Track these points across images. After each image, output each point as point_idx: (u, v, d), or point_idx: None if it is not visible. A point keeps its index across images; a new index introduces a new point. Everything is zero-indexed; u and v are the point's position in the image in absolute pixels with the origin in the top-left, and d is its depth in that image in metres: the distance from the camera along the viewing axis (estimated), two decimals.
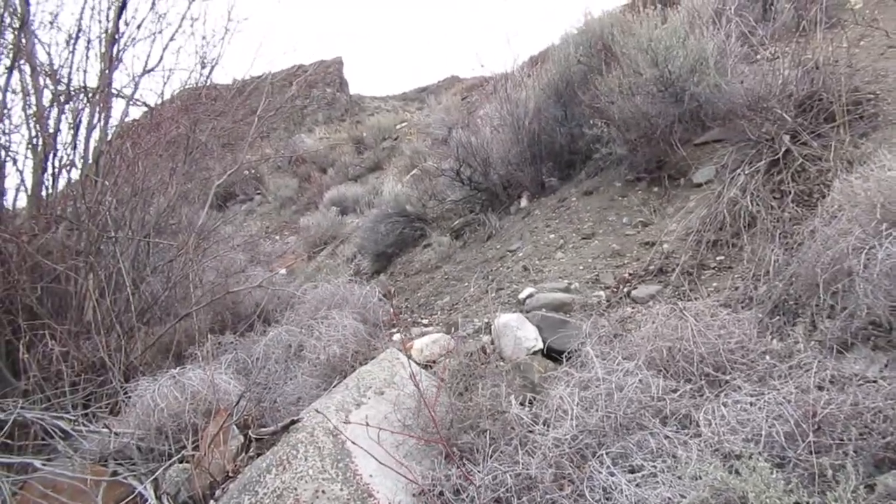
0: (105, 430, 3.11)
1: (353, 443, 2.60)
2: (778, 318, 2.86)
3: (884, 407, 1.99)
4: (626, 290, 3.85)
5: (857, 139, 3.69)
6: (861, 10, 5.53)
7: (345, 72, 25.11)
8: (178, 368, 3.44)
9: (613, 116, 4.92)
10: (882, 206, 2.66)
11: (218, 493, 2.74)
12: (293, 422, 2.82)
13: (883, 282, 2.42)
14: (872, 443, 1.92)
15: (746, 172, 3.92)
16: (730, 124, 4.50)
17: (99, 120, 5.20)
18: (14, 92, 4.85)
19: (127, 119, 5.57)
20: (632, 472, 2.12)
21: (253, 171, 15.25)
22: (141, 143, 5.23)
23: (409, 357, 3.39)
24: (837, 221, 2.84)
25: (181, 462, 2.96)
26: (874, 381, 2.17)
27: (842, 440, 1.95)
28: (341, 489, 2.47)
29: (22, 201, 4.77)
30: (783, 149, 3.90)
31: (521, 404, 2.74)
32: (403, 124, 15.89)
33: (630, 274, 4.00)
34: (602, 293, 3.90)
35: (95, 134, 5.14)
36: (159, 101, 5.99)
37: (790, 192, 3.67)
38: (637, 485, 2.04)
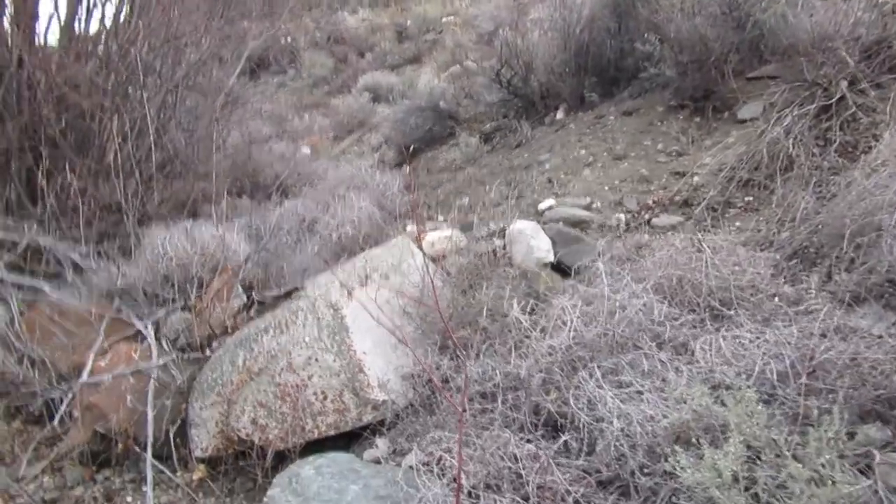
0: (115, 268, 3.18)
1: (367, 310, 2.63)
2: (795, 263, 2.80)
3: (884, 360, 1.97)
4: (647, 216, 3.78)
5: None
6: None
7: None
8: (191, 222, 3.48)
9: (669, 35, 4.66)
10: None
11: (215, 344, 2.83)
12: (296, 289, 2.87)
13: None
14: (864, 393, 1.91)
15: (795, 114, 3.74)
16: (788, 61, 4.25)
17: None
18: None
19: None
20: (619, 387, 2.14)
21: (290, 41, 14.84)
22: None
23: (420, 248, 3.39)
24: (878, 175, 2.73)
25: (184, 311, 3.04)
26: (879, 337, 2.14)
27: (833, 387, 1.94)
28: (334, 360, 2.53)
29: (55, 31, 4.67)
30: (838, 94, 3.70)
31: (523, 310, 2.75)
32: (450, 18, 15.28)
33: (654, 201, 3.92)
34: (622, 216, 3.83)
35: None
36: None
37: (835, 141, 3.52)
38: (622, 400, 2.06)
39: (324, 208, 4.04)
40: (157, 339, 2.88)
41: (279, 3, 7.03)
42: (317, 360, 2.53)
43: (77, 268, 3.24)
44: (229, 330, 2.92)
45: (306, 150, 8.46)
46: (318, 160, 7.18)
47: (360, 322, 2.64)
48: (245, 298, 3.10)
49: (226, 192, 4.67)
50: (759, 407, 1.80)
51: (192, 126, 5.33)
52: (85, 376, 2.72)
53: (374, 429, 2.48)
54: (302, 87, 14.08)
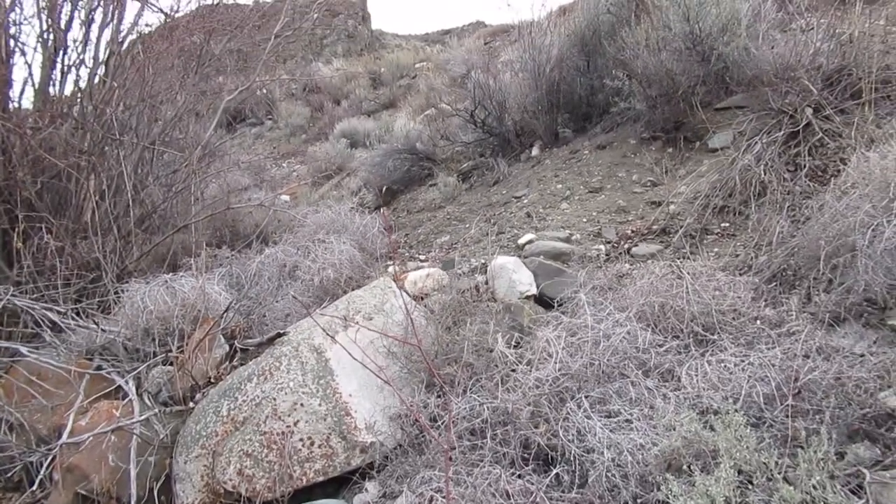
0: (93, 325, 3.13)
1: (349, 354, 2.61)
2: (774, 286, 2.83)
3: (867, 379, 1.99)
4: (626, 246, 3.82)
5: (881, 118, 3.59)
6: None
7: (368, 5, 24.52)
8: (170, 275, 3.45)
9: (637, 70, 4.79)
10: None
11: (198, 396, 2.78)
12: (279, 335, 2.84)
13: (885, 259, 2.39)
14: (850, 413, 1.92)
15: (764, 142, 3.84)
16: (753, 91, 4.38)
17: (112, 19, 5.07)
18: None
19: (140, 21, 5.42)
20: (608, 416, 2.13)
21: (266, 93, 15.02)
22: (152, 49, 5.12)
23: (402, 288, 3.39)
24: (848, 197, 2.78)
25: (165, 364, 2.99)
26: (861, 356, 2.16)
27: (820, 407, 1.95)
28: (320, 404, 2.50)
29: (29, 95, 4.68)
30: (804, 121, 3.81)
31: (508, 344, 2.75)
32: (423, 63, 15.58)
33: (633, 231, 3.96)
34: (602, 247, 3.87)
35: (107, 33, 5.02)
36: (175, 8, 5.82)
37: (805, 166, 3.60)
38: (611, 429, 2.05)
39: (304, 253, 4.03)
40: (139, 394, 2.82)
41: (253, 58, 7.12)
42: (302, 405, 2.50)
43: (55, 327, 3.19)
44: (212, 380, 2.88)
45: (285, 197, 8.48)
46: (298, 207, 7.19)
47: (344, 364, 2.62)
48: (227, 348, 3.06)
49: (205, 244, 4.66)
50: (748, 430, 1.80)
51: (170, 180, 5.33)
52: (65, 437, 2.64)
53: (364, 472, 2.43)
54: (279, 136, 14.22)
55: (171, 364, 2.98)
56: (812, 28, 4.17)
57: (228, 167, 7.25)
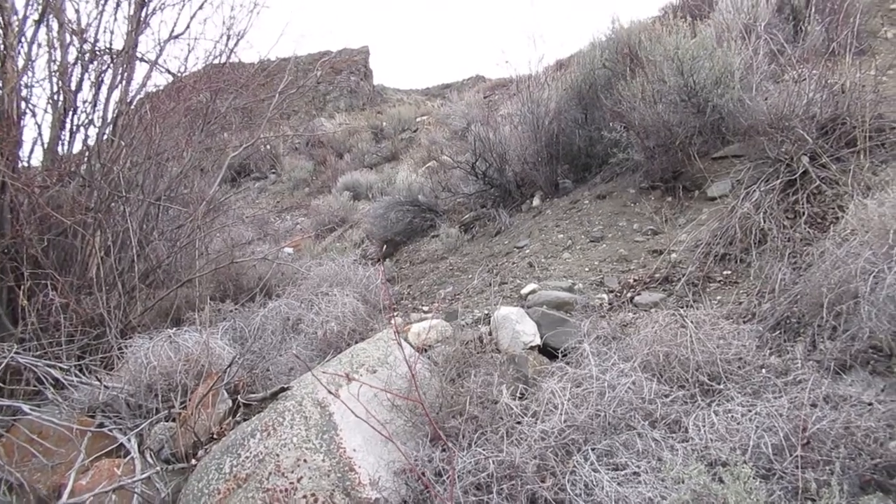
0: (96, 382, 3.12)
1: (352, 412, 2.59)
2: (778, 334, 2.83)
3: (876, 428, 1.97)
4: (629, 295, 3.82)
5: (876, 165, 3.65)
6: (893, 40, 5.48)
7: (370, 62, 25.07)
8: (174, 329, 3.45)
9: (634, 122, 4.89)
10: (895, 232, 2.62)
11: (201, 452, 2.75)
12: (282, 389, 2.82)
13: (888, 306, 2.39)
14: (861, 463, 1.90)
15: (762, 190, 3.89)
16: (749, 140, 4.46)
17: (121, 81, 5.20)
18: (40, 46, 4.85)
19: (148, 83, 5.56)
20: (615, 469, 2.11)
21: (270, 149, 15.28)
22: (160, 108, 5.24)
23: (406, 339, 3.38)
24: (848, 244, 2.80)
25: (168, 420, 2.97)
26: (869, 404, 2.14)
27: (830, 458, 1.92)
28: (323, 460, 2.46)
29: (38, 155, 4.77)
30: (801, 169, 3.86)
31: (513, 395, 2.73)
32: (424, 117, 15.88)
33: (635, 280, 3.97)
34: (605, 296, 3.87)
35: (116, 95, 5.14)
36: (182, 69, 5.98)
37: (804, 213, 3.64)
38: (619, 483, 2.02)
39: (308, 306, 4.03)
40: (141, 451, 2.79)
41: (258, 114, 7.29)
42: (305, 461, 2.47)
43: (58, 384, 3.18)
44: (215, 436, 2.84)
45: (289, 250, 8.53)
46: (301, 259, 7.23)
47: (348, 418, 2.59)
48: (231, 403, 3.03)
49: (209, 298, 4.67)
50: (758, 483, 1.77)
51: (174, 235, 5.39)
52: (65, 497, 2.60)
53: None
54: (283, 190, 14.38)
55: (174, 420, 2.95)
56: (804, 79, 4.26)
57: (233, 221, 7.33)
